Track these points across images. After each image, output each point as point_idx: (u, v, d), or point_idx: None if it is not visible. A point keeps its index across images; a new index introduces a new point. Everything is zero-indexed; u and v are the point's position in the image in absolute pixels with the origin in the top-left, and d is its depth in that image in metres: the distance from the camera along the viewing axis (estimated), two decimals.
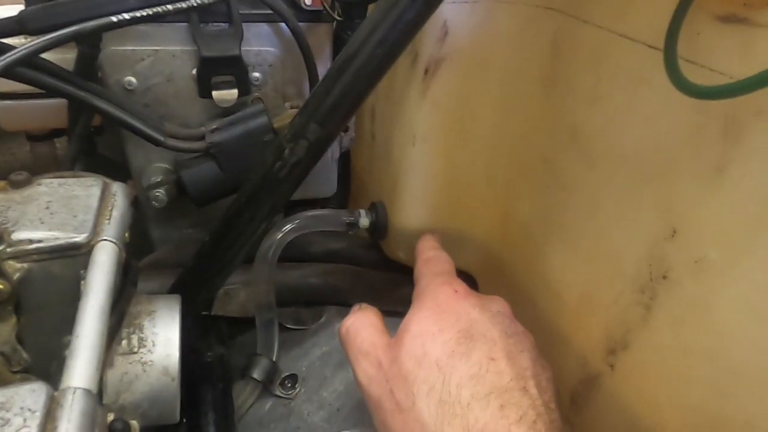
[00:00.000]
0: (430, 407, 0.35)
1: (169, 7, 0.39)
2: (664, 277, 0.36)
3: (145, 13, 0.38)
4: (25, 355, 0.33)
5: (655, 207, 0.36)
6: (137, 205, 0.61)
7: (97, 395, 0.26)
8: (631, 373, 0.39)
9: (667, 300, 0.36)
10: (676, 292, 0.35)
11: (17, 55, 0.37)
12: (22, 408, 0.23)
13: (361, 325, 0.42)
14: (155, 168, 0.57)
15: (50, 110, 0.55)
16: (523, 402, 0.34)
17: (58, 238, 0.33)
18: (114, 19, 0.37)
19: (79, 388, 0.24)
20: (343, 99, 0.43)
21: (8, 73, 0.37)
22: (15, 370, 0.33)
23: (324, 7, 0.54)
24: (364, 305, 0.45)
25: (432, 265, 0.46)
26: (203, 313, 0.57)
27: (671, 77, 0.31)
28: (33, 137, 0.61)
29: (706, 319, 0.33)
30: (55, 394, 0.24)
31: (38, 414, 0.23)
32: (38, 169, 0.64)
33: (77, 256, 0.33)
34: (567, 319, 0.46)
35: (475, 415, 0.34)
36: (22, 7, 0.47)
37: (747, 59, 0.29)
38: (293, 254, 0.60)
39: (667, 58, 0.32)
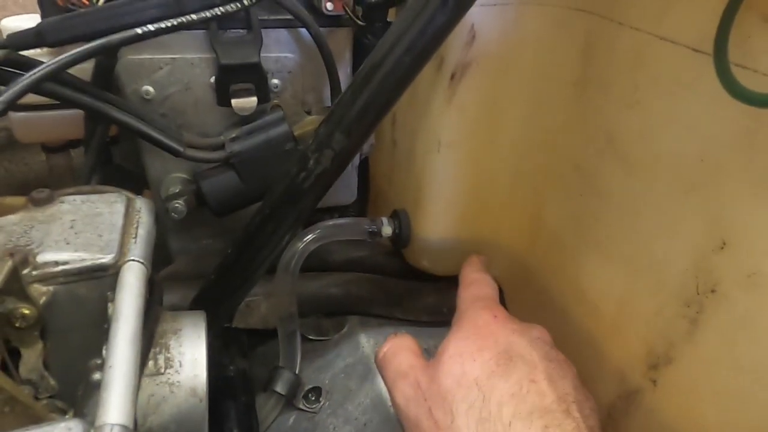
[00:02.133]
0: (470, 425, 0.34)
1: (194, 17, 0.37)
2: (713, 291, 0.34)
3: (169, 24, 0.36)
4: (53, 382, 0.32)
5: (701, 217, 0.35)
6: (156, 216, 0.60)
7: (133, 429, 0.24)
8: (676, 389, 0.38)
9: (715, 314, 0.34)
10: (725, 306, 0.34)
11: (45, 70, 0.35)
12: None
13: (399, 348, 0.42)
14: (173, 178, 0.56)
15: (66, 121, 0.54)
16: (566, 424, 0.33)
17: (84, 260, 0.32)
18: (139, 31, 0.36)
19: (117, 424, 0.23)
20: (369, 108, 0.42)
21: (36, 89, 0.36)
22: (42, 397, 0.32)
23: (346, 11, 0.52)
24: (399, 332, 0.45)
25: (473, 289, 0.45)
26: (225, 325, 0.56)
27: (724, 83, 0.30)
28: (48, 149, 0.60)
29: (759, 335, 0.32)
30: (92, 431, 0.23)
31: None
32: (54, 180, 0.63)
33: (104, 277, 0.32)
34: (604, 331, 0.44)
35: None
36: (38, 17, 0.46)
37: None
38: (314, 264, 0.59)
39: (718, 62, 0.30)
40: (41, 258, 0.31)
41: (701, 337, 0.35)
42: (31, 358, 0.31)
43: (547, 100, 0.47)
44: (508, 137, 0.50)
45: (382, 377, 0.42)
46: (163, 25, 0.36)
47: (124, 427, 0.23)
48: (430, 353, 0.42)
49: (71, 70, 0.46)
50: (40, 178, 0.37)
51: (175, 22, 0.37)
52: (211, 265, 0.52)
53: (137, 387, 0.27)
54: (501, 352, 0.37)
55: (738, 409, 0.33)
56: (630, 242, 0.41)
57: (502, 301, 0.60)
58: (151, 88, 0.52)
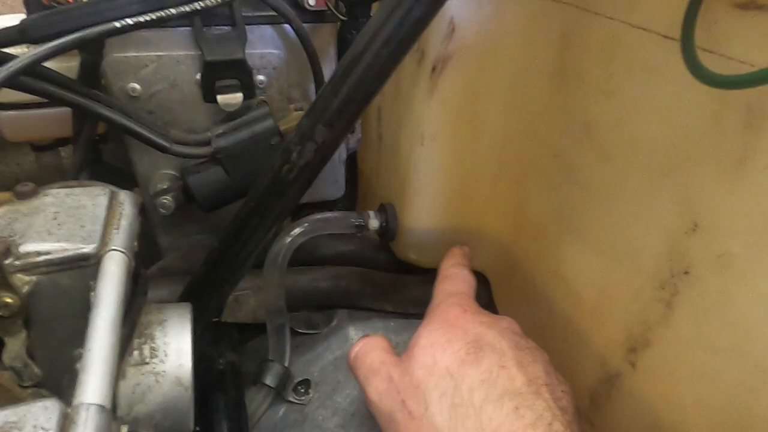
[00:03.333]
0: (443, 411, 0.35)
1: (173, 11, 0.38)
2: (686, 273, 0.35)
3: (148, 18, 0.37)
4: (36, 369, 0.33)
5: (674, 201, 0.35)
6: (144, 213, 0.60)
7: (111, 410, 0.25)
8: (654, 372, 0.38)
9: (689, 296, 0.35)
10: (698, 287, 0.34)
11: (20, 64, 0.36)
12: (34, 426, 0.22)
13: (370, 348, 0.43)
14: (161, 175, 0.57)
15: (54, 119, 0.55)
16: (537, 405, 0.34)
17: (66, 250, 0.32)
18: (117, 24, 0.37)
19: (93, 404, 0.24)
20: (350, 100, 0.43)
21: (11, 82, 0.37)
22: (26, 385, 0.32)
23: (328, 6, 0.53)
24: (371, 334, 0.46)
25: (449, 284, 0.46)
26: (214, 319, 0.56)
27: (690, 67, 0.30)
28: (38, 147, 0.60)
29: (731, 315, 0.32)
30: (69, 411, 0.24)
31: None
32: (44, 179, 0.63)
33: (86, 267, 0.33)
34: (585, 317, 0.45)
35: (488, 416, 0.33)
36: (24, 16, 0.46)
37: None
38: (302, 258, 0.59)
39: (685, 47, 0.31)
40: (24, 248, 0.32)
41: (676, 319, 0.36)
42: (15, 346, 0.32)
43: (526, 91, 0.48)
44: (490, 129, 0.50)
45: (356, 377, 0.43)
46: (142, 18, 0.37)
47: (100, 406, 0.24)
48: None
49: (59, 69, 0.47)
50: (31, 178, 0.38)
51: (154, 16, 0.37)
52: (201, 261, 0.52)
53: (116, 371, 0.27)
54: (470, 342, 0.38)
55: (712, 389, 0.34)
56: (608, 229, 0.42)
57: (488, 291, 0.60)
58: (137, 86, 0.53)
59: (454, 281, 0.46)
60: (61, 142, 0.61)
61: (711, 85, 0.29)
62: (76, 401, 0.24)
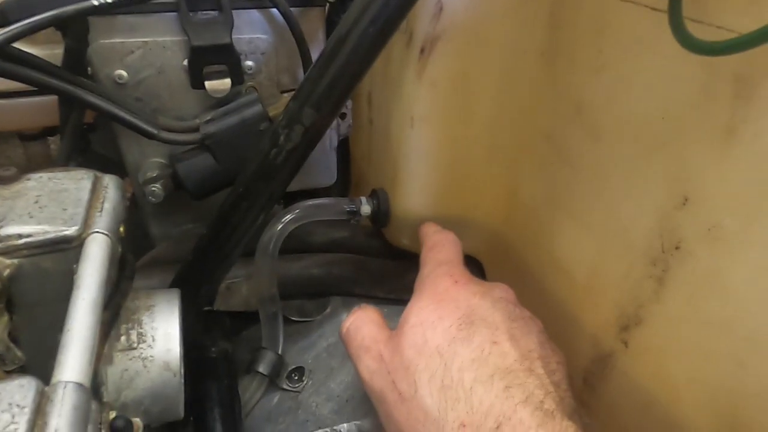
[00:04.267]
0: (433, 393, 0.34)
1: None
2: (677, 248, 0.34)
3: None
4: (19, 353, 0.32)
5: (664, 176, 0.35)
6: (134, 200, 0.60)
7: (91, 389, 0.25)
8: (646, 349, 0.38)
9: (680, 271, 0.34)
10: (689, 262, 0.34)
11: None
12: (10, 404, 0.22)
13: (362, 322, 0.42)
14: (151, 163, 0.56)
15: (41, 108, 0.54)
16: (528, 382, 0.33)
17: (47, 232, 0.32)
18: (95, 2, 0.36)
19: (71, 381, 0.23)
20: (337, 82, 0.42)
21: None
22: (10, 369, 0.32)
23: None
24: (363, 305, 0.45)
25: (436, 251, 0.45)
26: (206, 308, 0.56)
27: (676, 35, 0.30)
28: (25, 137, 0.60)
29: (722, 289, 0.32)
30: (46, 389, 0.23)
31: (27, 410, 0.22)
32: (33, 169, 0.63)
33: (68, 249, 0.32)
34: (577, 297, 0.45)
35: (479, 398, 0.33)
36: None
37: (754, 14, 0.28)
38: (295, 245, 0.59)
39: (672, 16, 0.30)
40: (4, 231, 0.31)
41: (668, 296, 0.35)
42: None
43: (517, 71, 0.47)
44: (480, 110, 0.50)
45: (347, 351, 0.43)
46: None
47: (78, 384, 0.23)
48: None
49: (44, 56, 0.46)
50: (20, 169, 0.37)
51: None
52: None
53: (98, 352, 0.27)
54: (462, 317, 0.37)
55: (704, 365, 0.34)
56: (599, 207, 0.41)
57: (482, 274, 0.60)
58: (124, 72, 0.52)
59: (441, 248, 0.45)
60: (49, 131, 0.61)
61: (699, 52, 0.29)
62: (53, 380, 0.24)
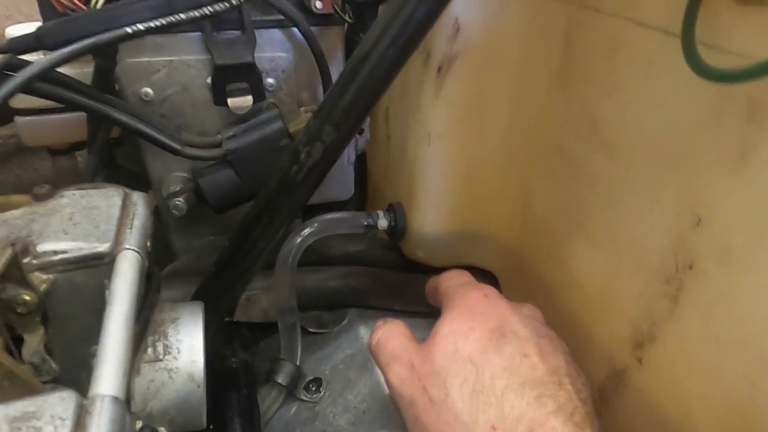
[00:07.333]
0: (464, 398, 0.35)
1: (182, 16, 0.39)
2: (691, 268, 0.35)
3: (159, 23, 0.38)
4: (54, 365, 0.34)
5: (678, 195, 0.36)
6: (158, 215, 0.62)
7: (125, 402, 0.26)
8: (660, 367, 0.38)
9: (694, 290, 0.35)
10: (703, 282, 0.34)
11: (35, 69, 0.37)
12: (52, 416, 0.23)
13: (391, 334, 0.42)
14: (174, 177, 0.58)
15: (70, 124, 0.56)
16: (559, 395, 0.34)
17: (81, 249, 0.33)
18: (129, 30, 0.38)
19: (108, 395, 0.25)
20: (357, 101, 0.43)
21: (27, 88, 0.38)
22: (45, 380, 0.33)
23: (335, 9, 0.54)
24: (389, 319, 0.45)
25: (455, 278, 0.46)
26: (226, 319, 0.57)
27: (690, 62, 0.30)
28: (54, 151, 0.62)
29: (735, 309, 0.33)
30: (85, 402, 0.24)
31: (68, 422, 0.23)
32: (61, 182, 0.65)
33: (101, 265, 0.34)
34: (591, 313, 0.45)
35: (510, 404, 0.33)
36: (40, 24, 0.48)
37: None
38: (313, 258, 0.60)
39: (685, 42, 0.31)
40: (41, 248, 0.33)
41: (681, 314, 0.36)
42: (33, 342, 0.33)
43: (532, 89, 0.48)
44: (495, 127, 0.51)
45: (376, 362, 0.43)
46: (153, 24, 0.38)
47: (114, 398, 0.25)
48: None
49: (74, 75, 0.48)
50: (48, 182, 0.39)
51: (165, 21, 0.38)
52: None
53: (130, 365, 0.28)
54: (493, 329, 0.38)
55: (717, 383, 0.34)
56: (613, 224, 0.42)
57: (497, 288, 0.61)
58: (150, 90, 0.54)
59: (458, 275, 0.46)
60: (77, 146, 0.63)
61: (711, 79, 0.29)
62: (91, 393, 0.25)
